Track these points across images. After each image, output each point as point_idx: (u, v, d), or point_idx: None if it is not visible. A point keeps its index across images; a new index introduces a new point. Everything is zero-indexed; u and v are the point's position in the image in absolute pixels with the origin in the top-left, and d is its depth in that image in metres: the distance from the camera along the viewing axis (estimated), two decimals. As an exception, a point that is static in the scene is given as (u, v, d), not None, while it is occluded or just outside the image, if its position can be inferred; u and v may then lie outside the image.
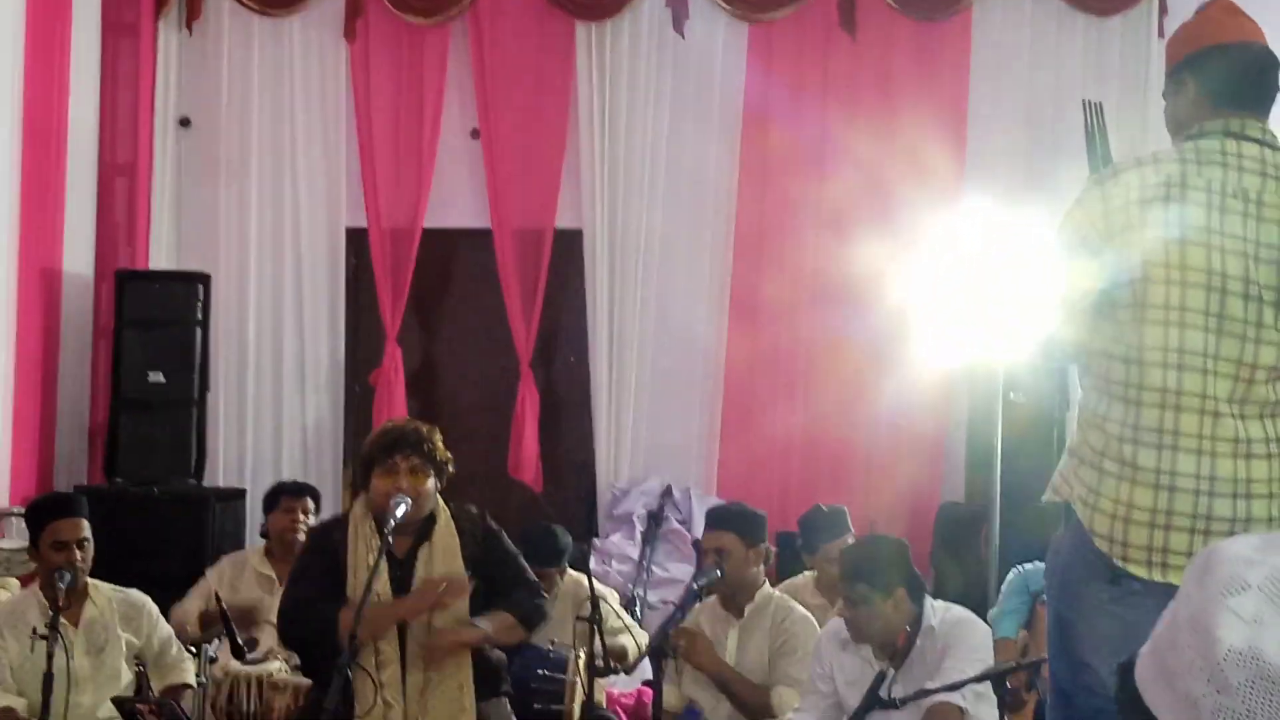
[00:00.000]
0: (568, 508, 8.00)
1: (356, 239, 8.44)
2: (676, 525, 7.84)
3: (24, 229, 7.32)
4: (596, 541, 7.86)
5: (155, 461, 7.59)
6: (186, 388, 7.67)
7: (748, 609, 5.26)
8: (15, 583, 6.24)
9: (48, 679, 4.63)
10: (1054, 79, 8.04)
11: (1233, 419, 3.12)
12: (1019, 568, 5.66)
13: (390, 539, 4.28)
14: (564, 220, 8.27)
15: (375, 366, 8.33)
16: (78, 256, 8.01)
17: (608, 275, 8.21)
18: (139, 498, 7.45)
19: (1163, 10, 7.81)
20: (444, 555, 4.49)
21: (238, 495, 7.87)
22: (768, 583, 5.40)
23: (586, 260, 8.23)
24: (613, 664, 5.19)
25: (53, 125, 7.60)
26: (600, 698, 5.50)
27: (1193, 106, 3.30)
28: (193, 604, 5.93)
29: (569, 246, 8.27)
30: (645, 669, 5.23)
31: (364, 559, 4.41)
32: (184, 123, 8.52)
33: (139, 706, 4.94)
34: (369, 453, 4.54)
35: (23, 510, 5.86)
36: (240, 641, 5.43)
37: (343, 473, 8.21)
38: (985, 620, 5.01)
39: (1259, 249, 3.15)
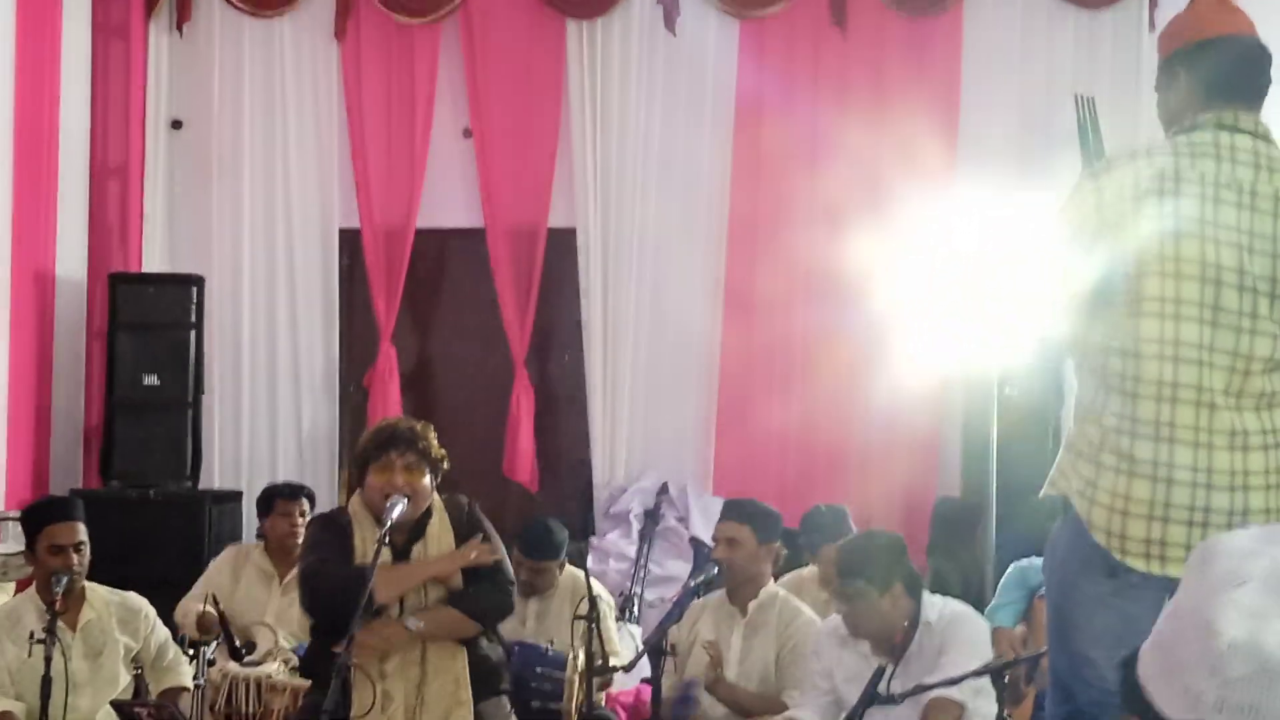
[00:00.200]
0: (564, 506, 7.99)
1: (350, 239, 8.43)
2: (673, 523, 7.84)
3: (16, 232, 7.31)
4: (593, 540, 7.86)
5: (151, 464, 7.59)
6: (181, 390, 7.67)
7: (752, 606, 5.26)
8: (11, 587, 6.24)
9: (46, 683, 4.63)
10: (1045, 73, 8.04)
11: (1229, 411, 3.13)
12: (1018, 562, 5.67)
13: (388, 539, 4.28)
14: (557, 218, 8.27)
15: (370, 367, 8.33)
16: (71, 260, 8.00)
17: (601, 273, 8.21)
18: (135, 500, 7.45)
19: (1153, 3, 7.81)
20: (439, 549, 4.51)
21: (234, 497, 7.86)
22: (773, 581, 5.40)
23: (580, 258, 8.22)
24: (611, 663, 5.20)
25: (44, 128, 7.59)
26: (599, 696, 5.50)
27: (1185, 99, 3.31)
28: (194, 603, 5.93)
29: (562, 245, 8.27)
30: (644, 667, 5.22)
31: (368, 550, 4.41)
32: (175, 125, 8.51)
33: (137, 710, 4.94)
34: (364, 450, 4.55)
35: (18, 514, 5.85)
36: (238, 643, 5.44)
37: (338, 473, 8.20)
38: (982, 615, 5.01)
39: (1253, 240, 3.16)
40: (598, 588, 5.50)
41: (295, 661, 5.31)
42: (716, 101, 8.23)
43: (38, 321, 7.61)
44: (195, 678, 5.23)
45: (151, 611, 5.32)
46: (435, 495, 4.57)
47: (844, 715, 4.40)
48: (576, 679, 5.23)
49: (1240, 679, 1.39)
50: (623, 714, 5.80)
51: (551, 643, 5.58)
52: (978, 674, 4.25)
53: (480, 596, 4.52)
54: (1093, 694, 3.25)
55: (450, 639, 4.45)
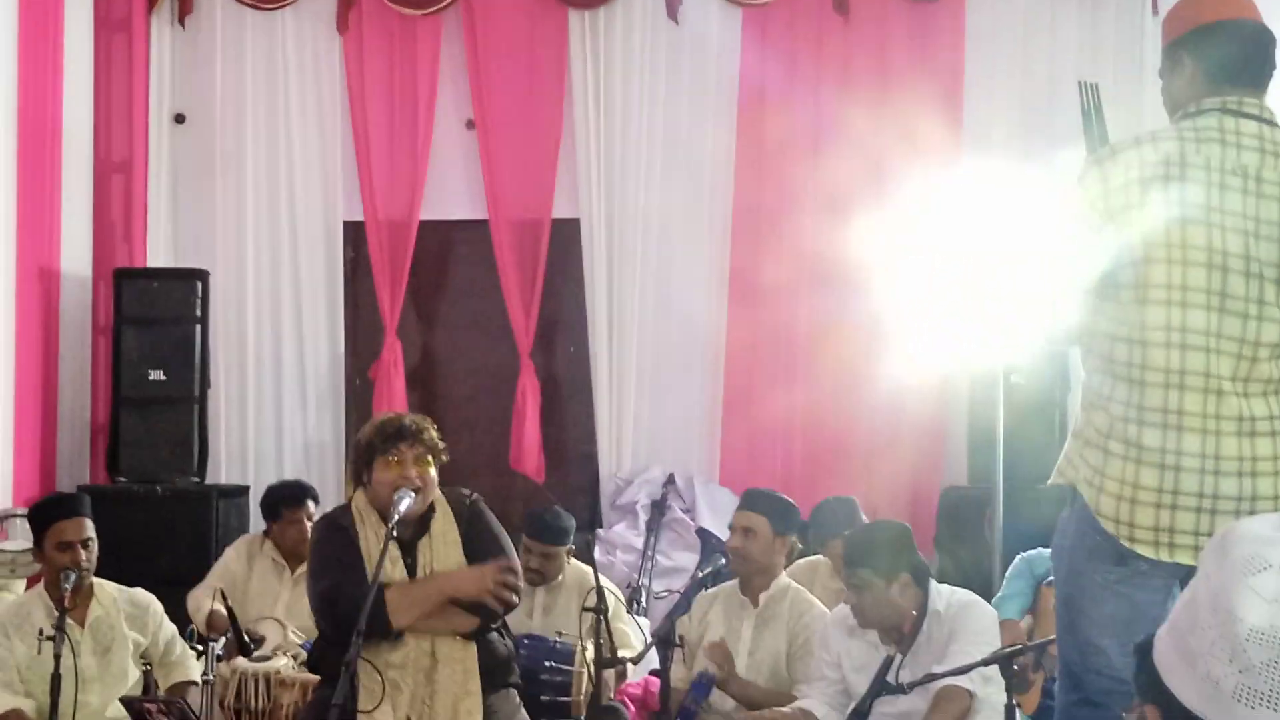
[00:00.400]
0: (571, 498, 7.98)
1: (354, 232, 8.43)
2: (680, 514, 7.84)
3: (20, 229, 7.30)
4: (600, 532, 7.86)
5: (157, 459, 7.59)
6: (187, 385, 7.67)
7: (763, 598, 5.26)
8: (20, 584, 6.24)
9: (55, 679, 4.63)
10: (1049, 58, 8.02)
11: (1237, 397, 3.12)
12: (1024, 554, 5.67)
13: (394, 532, 4.26)
14: (561, 209, 8.26)
15: (375, 359, 8.32)
16: (75, 255, 8.00)
17: (606, 263, 8.20)
18: (142, 496, 7.45)
19: (1156, -13, 7.81)
20: (444, 544, 4.48)
21: (241, 492, 7.86)
22: (785, 575, 5.39)
23: (584, 248, 8.22)
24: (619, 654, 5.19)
25: (47, 123, 7.59)
26: (608, 688, 5.50)
27: (1190, 84, 3.30)
28: (206, 596, 5.92)
29: (567, 235, 8.26)
30: (652, 658, 5.23)
31: (375, 548, 4.40)
32: (178, 119, 8.50)
33: (147, 706, 4.94)
34: (370, 445, 4.49)
35: (26, 511, 5.85)
36: (247, 638, 5.44)
37: (345, 467, 8.20)
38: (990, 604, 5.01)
39: (1259, 226, 3.15)
40: (606, 582, 5.49)
41: (304, 656, 5.30)
42: (720, 90, 8.22)
43: (43, 318, 7.61)
44: (205, 673, 5.23)
45: (159, 607, 5.32)
46: (438, 489, 4.55)
47: (853, 705, 4.39)
48: (585, 671, 5.23)
49: (1261, 666, 1.38)
50: (631, 706, 5.80)
51: (560, 635, 5.58)
52: (986, 663, 4.25)
53: None
54: (1102, 682, 3.25)
55: (448, 633, 4.43)
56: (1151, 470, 3.12)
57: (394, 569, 4.36)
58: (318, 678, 4.66)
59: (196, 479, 7.66)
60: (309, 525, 6.07)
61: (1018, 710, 4.15)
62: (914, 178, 6.93)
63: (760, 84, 8.14)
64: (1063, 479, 3.31)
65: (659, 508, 7.80)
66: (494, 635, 4.56)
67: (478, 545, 4.51)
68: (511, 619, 4.85)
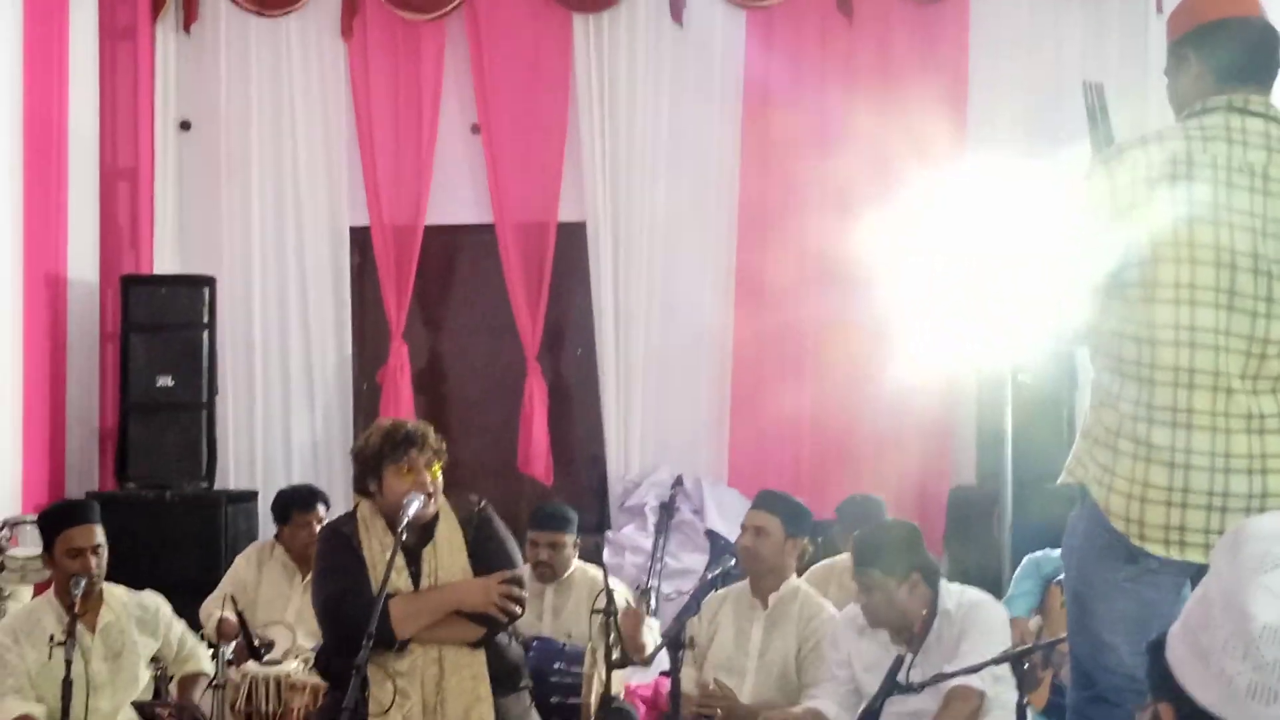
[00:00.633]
0: (579, 500, 7.97)
1: (360, 237, 8.44)
2: (688, 515, 7.84)
3: (28, 236, 7.32)
4: (609, 534, 7.86)
5: (166, 465, 7.61)
6: (195, 390, 7.69)
7: (772, 599, 5.26)
8: (29, 591, 6.26)
9: (66, 685, 4.63)
10: (1053, 56, 8.02)
11: (1245, 395, 3.12)
12: (1031, 554, 5.67)
13: (404, 536, 4.26)
14: (567, 213, 8.27)
15: (382, 364, 8.34)
16: (82, 262, 8.01)
17: (612, 266, 8.21)
18: (151, 502, 7.47)
19: (1161, -14, 7.80)
20: (449, 549, 4.48)
21: (249, 497, 7.87)
22: (796, 576, 5.40)
23: (590, 251, 8.23)
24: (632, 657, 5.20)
25: (53, 131, 7.60)
26: (618, 689, 5.50)
27: (1195, 82, 3.30)
28: (217, 607, 5.93)
29: (573, 238, 8.27)
30: (662, 659, 5.23)
31: (380, 557, 4.40)
32: (184, 125, 8.52)
33: (158, 710, 4.96)
34: (378, 452, 4.46)
35: (35, 518, 5.86)
36: (257, 643, 5.45)
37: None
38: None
39: (1267, 224, 3.15)
40: (617, 585, 5.50)
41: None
42: (725, 91, 8.23)
43: (50, 325, 7.62)
44: (215, 678, 5.24)
45: (165, 605, 5.33)
46: (443, 495, 4.55)
47: (864, 704, 4.39)
48: (595, 673, 5.23)
49: (1274, 662, 1.39)
50: (642, 707, 5.81)
51: (569, 636, 5.58)
52: (996, 662, 4.25)
53: None
54: (1114, 679, 3.25)
55: (454, 643, 4.43)
56: (1161, 468, 3.12)
57: (399, 577, 4.35)
58: (327, 683, 4.67)
59: (205, 484, 7.67)
60: (318, 529, 6.07)
61: (1029, 709, 4.15)
62: (919, 177, 6.92)
63: (765, 85, 8.14)
64: (1072, 478, 3.31)
65: (667, 509, 7.80)
66: (504, 639, 4.55)
67: (484, 554, 4.51)
68: (522, 621, 4.84)
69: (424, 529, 4.44)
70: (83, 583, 4.91)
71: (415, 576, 4.44)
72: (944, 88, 7.99)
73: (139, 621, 5.20)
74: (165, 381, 7.63)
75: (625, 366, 8.19)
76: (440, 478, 4.47)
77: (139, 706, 5.04)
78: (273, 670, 5.28)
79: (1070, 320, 3.35)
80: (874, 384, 7.51)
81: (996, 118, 7.96)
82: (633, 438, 8.17)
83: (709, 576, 5.03)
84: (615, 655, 5.02)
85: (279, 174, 8.42)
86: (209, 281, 7.88)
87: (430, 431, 4.50)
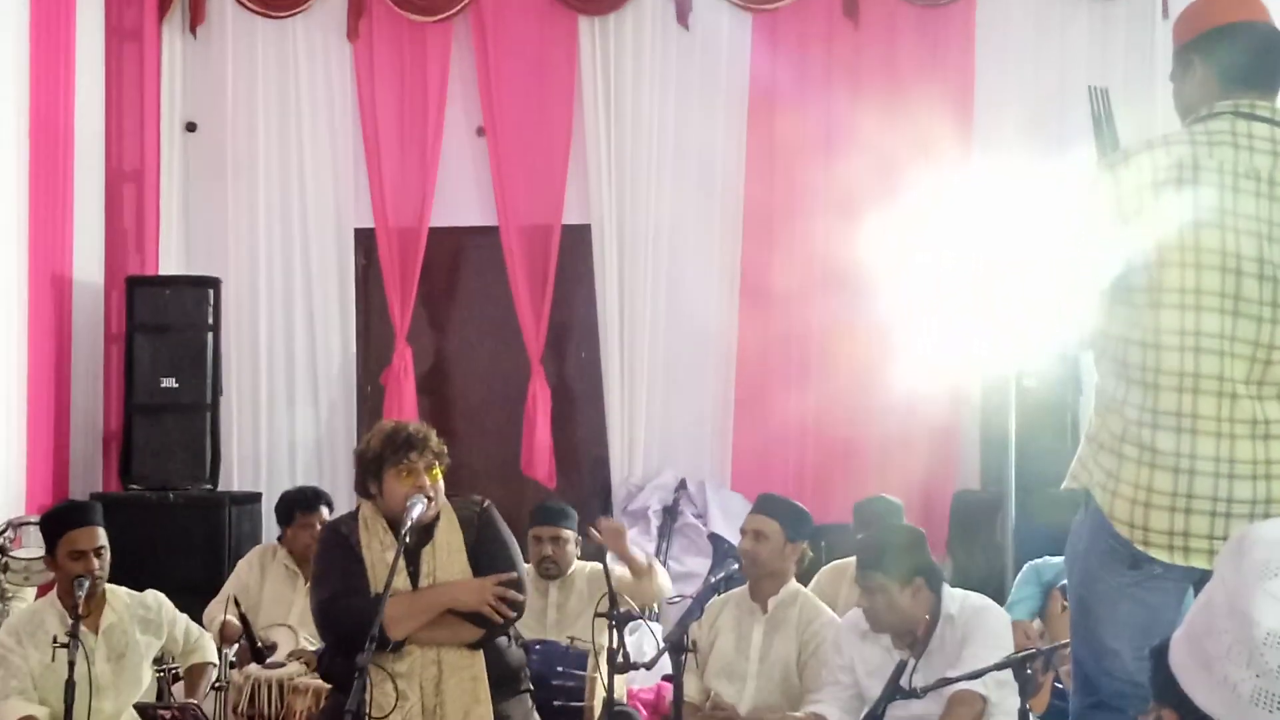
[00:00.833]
0: (583, 503, 7.95)
1: (365, 239, 8.45)
2: (691, 519, 7.84)
3: (33, 237, 7.32)
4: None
5: (170, 467, 7.62)
6: (199, 392, 7.70)
7: (772, 603, 5.25)
8: (32, 592, 6.26)
9: (70, 687, 4.63)
10: (1059, 60, 8.02)
11: (1250, 400, 3.11)
12: (1032, 561, 5.66)
13: (407, 539, 4.26)
14: (571, 215, 8.27)
15: (386, 366, 8.34)
16: (87, 263, 8.02)
17: (617, 269, 8.21)
18: (155, 503, 7.47)
19: (1167, -10, 7.80)
20: (448, 552, 4.48)
21: (253, 499, 7.88)
22: (794, 580, 5.40)
23: (595, 254, 8.23)
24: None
25: (59, 132, 7.61)
26: (621, 693, 5.50)
27: (1201, 87, 3.29)
28: (220, 610, 5.94)
29: (577, 241, 8.27)
30: (665, 664, 5.22)
31: (380, 558, 4.40)
32: (190, 127, 8.53)
33: (161, 712, 4.96)
34: (380, 454, 4.46)
35: (39, 519, 5.86)
36: (260, 645, 5.45)
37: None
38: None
39: (1272, 229, 3.14)
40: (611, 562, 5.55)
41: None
42: (730, 95, 8.23)
43: (55, 325, 7.62)
44: (217, 681, 5.24)
45: (165, 601, 5.33)
46: (444, 497, 4.55)
47: (867, 709, 4.39)
48: (598, 677, 5.23)
49: (1277, 669, 1.38)
50: (644, 711, 5.80)
51: (571, 641, 5.59)
52: (999, 667, 4.24)
53: None
54: (1117, 685, 3.25)
55: (452, 644, 4.42)
56: (1166, 474, 3.11)
57: (397, 578, 4.35)
58: (330, 685, 4.67)
59: (209, 486, 7.68)
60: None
61: (1030, 714, 4.14)
62: (924, 181, 6.93)
63: (770, 88, 8.15)
64: (1076, 483, 3.30)
65: (671, 513, 7.80)
66: (504, 642, 4.55)
67: (485, 554, 4.51)
68: (525, 619, 4.85)
69: (424, 530, 4.44)
70: (86, 584, 4.91)
71: (414, 576, 4.45)
72: (949, 92, 7.99)
73: (142, 622, 5.20)
74: (170, 383, 7.64)
75: (629, 369, 8.19)
76: (441, 481, 4.47)
77: (142, 708, 5.05)
78: (275, 672, 5.28)
79: (1075, 325, 3.34)
80: (878, 388, 7.51)
81: (1002, 122, 7.96)
82: (636, 441, 8.17)
83: (712, 580, 5.02)
84: (619, 659, 5.01)
85: (284, 175, 8.43)
86: (214, 283, 7.89)
87: (432, 435, 4.49)
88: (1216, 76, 3.26)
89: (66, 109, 7.70)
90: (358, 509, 4.58)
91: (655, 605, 6.86)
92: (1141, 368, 3.15)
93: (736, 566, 5.16)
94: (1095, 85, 3.79)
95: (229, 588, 6.17)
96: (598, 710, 5.34)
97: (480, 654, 4.44)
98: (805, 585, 5.51)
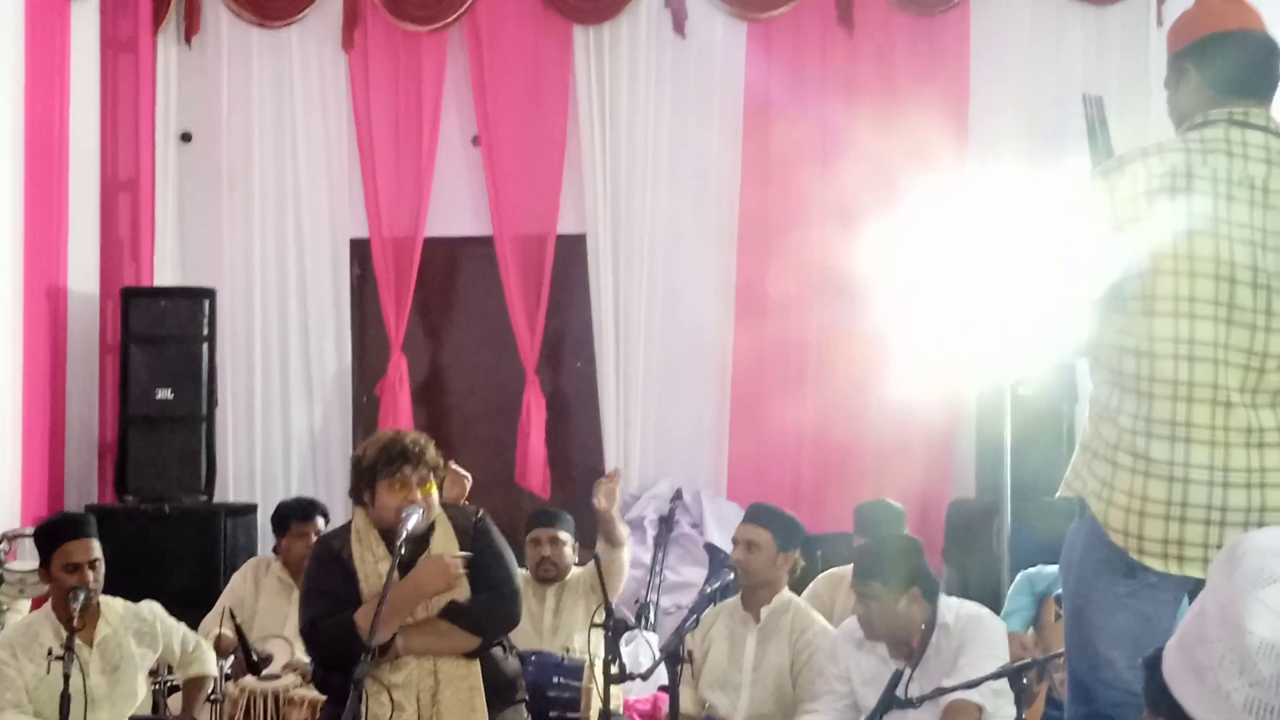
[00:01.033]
0: (578, 513, 7.95)
1: (360, 249, 8.44)
2: (688, 529, 7.83)
3: (28, 248, 7.32)
4: (608, 547, 7.85)
5: (165, 478, 7.60)
6: (194, 403, 7.68)
7: (764, 612, 5.25)
8: (26, 605, 6.24)
9: (64, 699, 4.62)
10: (1054, 68, 8.03)
11: (1245, 408, 3.11)
12: (1025, 571, 5.66)
13: (403, 550, 4.25)
14: (566, 224, 8.27)
15: (381, 376, 8.33)
16: (82, 274, 8.01)
17: (612, 279, 8.20)
18: (150, 515, 7.46)
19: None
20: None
21: (249, 510, 7.86)
22: (787, 589, 5.39)
23: (590, 264, 8.22)
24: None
25: (54, 143, 7.61)
26: (617, 704, 5.50)
27: (1195, 95, 3.29)
28: (215, 624, 5.93)
29: (572, 251, 8.27)
30: (661, 674, 5.22)
31: (373, 569, 4.39)
32: (185, 137, 8.53)
33: (157, 725, 4.94)
34: (373, 465, 4.45)
35: (34, 531, 5.85)
36: (255, 657, 5.44)
37: (353, 484, 8.19)
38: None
39: (1266, 237, 3.15)
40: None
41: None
42: (725, 104, 8.23)
43: (50, 336, 7.62)
44: (213, 693, 5.23)
45: (161, 611, 5.31)
46: (439, 507, 4.54)
47: (863, 719, 4.38)
48: (594, 687, 5.22)
49: (1270, 679, 1.38)
50: (640, 721, 5.80)
51: (567, 651, 5.58)
52: (995, 676, 4.23)
53: (481, 610, 4.47)
54: (1112, 694, 3.24)
55: (449, 654, 4.42)
56: (1160, 482, 3.11)
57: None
58: (325, 696, 4.66)
59: (204, 497, 7.67)
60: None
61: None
62: (920, 189, 6.93)
63: (766, 97, 8.14)
64: (1071, 492, 3.30)
65: (667, 523, 7.79)
66: (499, 652, 4.55)
67: (480, 564, 4.51)
68: (523, 624, 4.87)
69: (418, 540, 4.44)
70: (80, 596, 4.90)
71: None
72: (945, 100, 7.99)
73: (137, 634, 5.19)
74: (165, 394, 7.63)
75: (625, 379, 8.18)
76: (435, 493, 4.46)
77: (137, 720, 5.04)
78: (271, 685, 5.27)
79: (1070, 333, 3.34)
80: (874, 397, 7.51)
81: (997, 130, 7.96)
82: (632, 451, 8.16)
83: (708, 590, 5.02)
84: (615, 669, 5.01)
85: (279, 186, 8.43)
86: (209, 294, 7.88)
87: (430, 447, 4.48)
88: (1210, 84, 3.26)
89: (61, 119, 7.69)
90: (350, 521, 4.57)
91: (651, 614, 6.86)
92: (1136, 376, 3.15)
93: (732, 576, 5.16)
94: (1089, 93, 3.80)
95: (223, 601, 6.16)
96: (594, 720, 5.33)
97: (477, 664, 4.43)
98: (798, 594, 5.51)
